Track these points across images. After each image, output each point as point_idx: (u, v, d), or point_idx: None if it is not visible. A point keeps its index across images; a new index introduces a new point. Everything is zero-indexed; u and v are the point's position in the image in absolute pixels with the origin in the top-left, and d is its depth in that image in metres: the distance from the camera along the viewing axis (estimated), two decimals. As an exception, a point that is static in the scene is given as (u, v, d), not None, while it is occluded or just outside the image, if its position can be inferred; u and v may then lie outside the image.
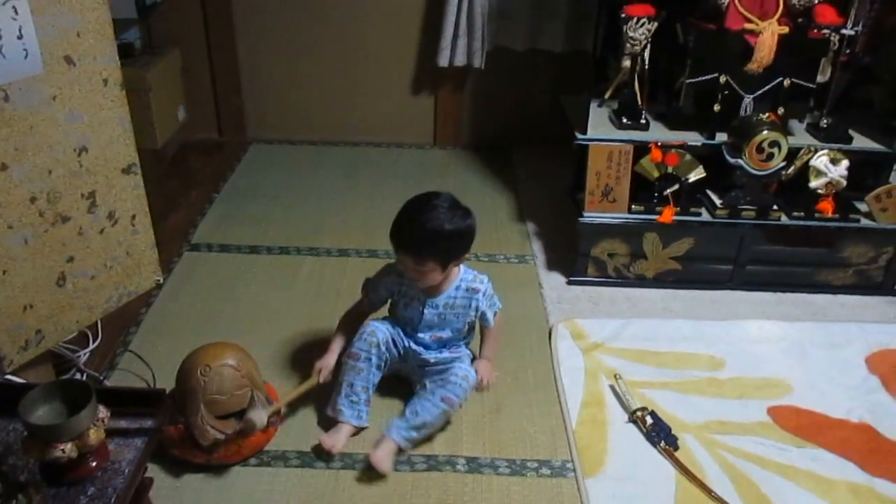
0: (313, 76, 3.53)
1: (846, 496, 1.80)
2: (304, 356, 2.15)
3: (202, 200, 3.09)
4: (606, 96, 2.71)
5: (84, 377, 2.07)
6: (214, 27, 3.42)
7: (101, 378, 2.07)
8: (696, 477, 1.81)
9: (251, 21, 3.42)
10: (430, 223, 1.79)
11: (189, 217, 2.95)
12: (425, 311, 1.93)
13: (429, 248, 1.81)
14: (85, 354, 2.13)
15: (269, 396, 1.86)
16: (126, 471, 1.33)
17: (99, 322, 2.14)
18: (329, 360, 1.91)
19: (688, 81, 2.49)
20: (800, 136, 2.59)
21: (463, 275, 1.96)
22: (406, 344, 1.97)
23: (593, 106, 2.60)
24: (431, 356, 1.96)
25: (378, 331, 1.91)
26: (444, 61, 3.22)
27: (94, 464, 1.32)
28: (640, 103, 2.60)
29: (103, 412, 1.31)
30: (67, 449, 1.24)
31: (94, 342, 2.18)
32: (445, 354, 1.97)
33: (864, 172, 2.59)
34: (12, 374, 1.68)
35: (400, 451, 1.83)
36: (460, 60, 3.21)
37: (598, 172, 2.44)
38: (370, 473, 1.79)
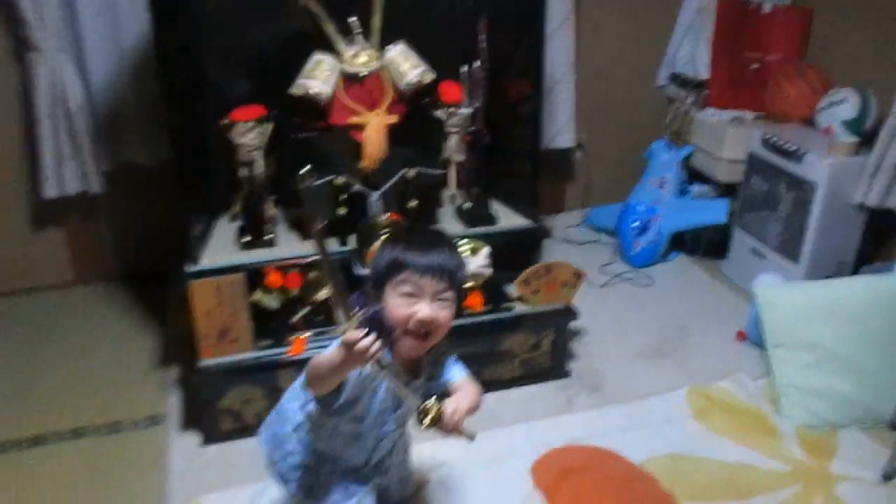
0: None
1: None
2: None
3: None
4: (232, 211, 2.38)
5: None
6: None
7: None
8: None
9: None
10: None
11: None
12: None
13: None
14: None
15: None
16: None
17: None
18: None
19: (303, 187, 2.21)
20: (446, 223, 2.40)
21: None
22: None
23: (216, 225, 2.25)
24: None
25: None
26: (52, 191, 2.71)
27: None
28: (264, 217, 2.28)
29: None
30: None
31: None
32: None
33: (518, 252, 2.44)
34: None
35: None
36: (73, 187, 2.72)
37: (208, 311, 2.05)
38: None
